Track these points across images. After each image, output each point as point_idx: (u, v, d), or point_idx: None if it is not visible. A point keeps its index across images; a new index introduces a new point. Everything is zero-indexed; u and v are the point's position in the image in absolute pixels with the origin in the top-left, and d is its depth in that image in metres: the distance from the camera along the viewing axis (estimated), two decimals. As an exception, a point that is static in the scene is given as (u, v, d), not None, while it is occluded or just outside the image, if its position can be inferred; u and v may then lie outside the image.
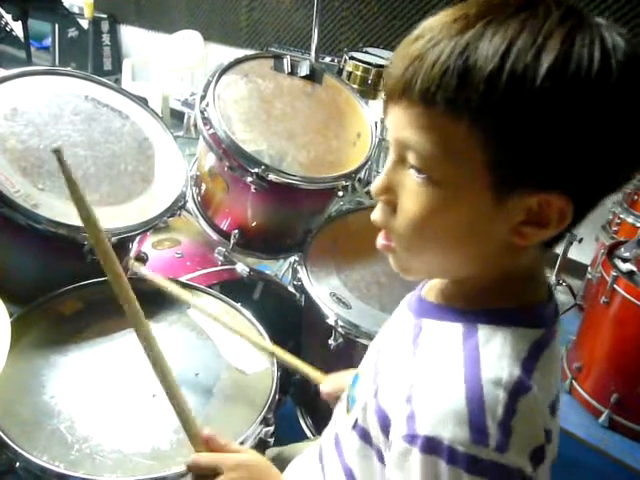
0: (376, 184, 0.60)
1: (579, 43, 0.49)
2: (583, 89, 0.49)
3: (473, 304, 0.61)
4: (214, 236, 1.76)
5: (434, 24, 0.54)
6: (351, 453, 0.69)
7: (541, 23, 0.49)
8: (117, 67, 5.42)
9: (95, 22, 5.25)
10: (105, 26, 5.38)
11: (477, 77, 0.49)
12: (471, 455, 0.51)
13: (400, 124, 0.56)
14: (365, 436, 0.66)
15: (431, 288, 0.69)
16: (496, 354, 0.55)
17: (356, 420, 0.68)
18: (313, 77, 1.75)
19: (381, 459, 0.63)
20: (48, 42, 5.42)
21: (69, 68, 1.50)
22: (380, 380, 0.65)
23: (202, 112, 1.56)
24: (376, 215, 0.62)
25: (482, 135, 0.51)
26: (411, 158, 0.56)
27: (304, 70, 1.74)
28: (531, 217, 0.54)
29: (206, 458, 0.75)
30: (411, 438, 0.54)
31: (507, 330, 0.57)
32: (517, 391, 0.53)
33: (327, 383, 1.05)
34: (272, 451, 1.09)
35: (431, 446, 0.53)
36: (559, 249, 2.56)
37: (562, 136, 0.49)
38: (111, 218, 1.28)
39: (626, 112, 0.51)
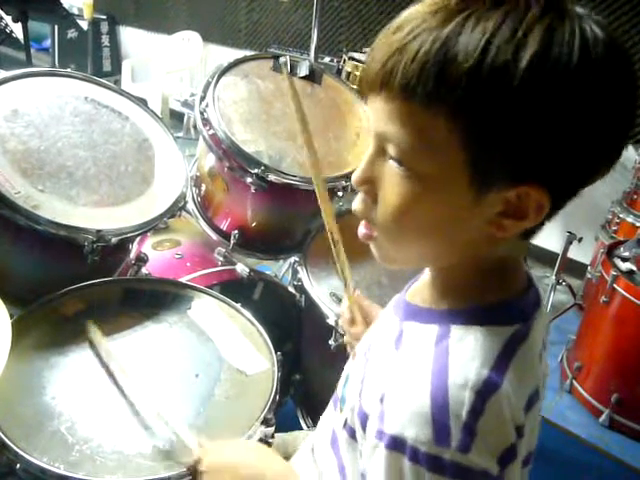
0: (357, 175, 0.61)
1: (558, 37, 0.49)
2: (562, 84, 0.49)
3: (451, 303, 0.62)
4: (214, 236, 1.76)
5: (415, 15, 0.53)
6: (343, 450, 0.71)
7: (521, 16, 0.49)
8: (117, 68, 5.42)
9: (94, 23, 5.24)
10: (104, 27, 5.38)
11: (456, 72, 0.49)
12: (432, 455, 0.52)
13: (380, 117, 0.56)
14: (353, 435, 0.68)
15: (416, 291, 0.70)
16: (466, 355, 0.56)
17: (346, 420, 0.70)
18: (313, 77, 1.75)
19: None
20: (47, 43, 5.42)
21: (69, 69, 1.50)
22: (365, 382, 0.66)
23: (202, 113, 1.56)
24: (356, 205, 0.63)
25: (461, 130, 0.51)
26: (391, 150, 0.56)
27: (303, 71, 1.74)
28: (509, 209, 0.54)
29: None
30: (380, 435, 0.56)
31: (479, 329, 0.57)
32: (485, 391, 0.54)
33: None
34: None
35: (396, 444, 0.54)
36: (559, 248, 2.56)
37: (541, 131, 0.50)
38: (111, 219, 1.29)
39: (604, 103, 0.51)
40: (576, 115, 0.50)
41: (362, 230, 0.64)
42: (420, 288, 0.69)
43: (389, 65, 0.52)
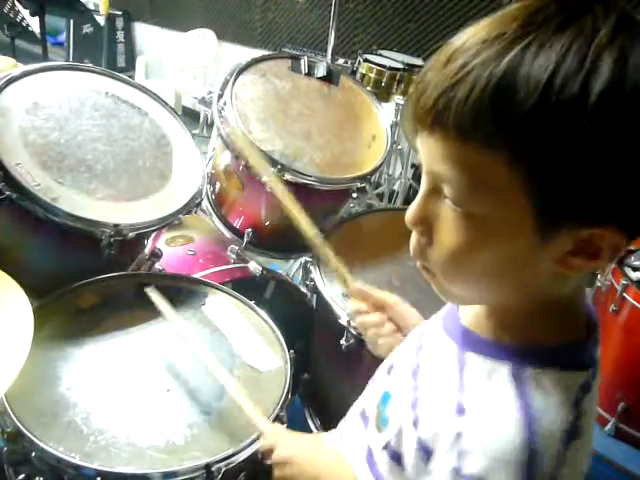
0: (411, 213, 0.57)
1: (632, 64, 0.44)
2: (638, 116, 0.44)
3: (517, 338, 0.58)
4: (227, 234, 1.77)
5: (466, 45, 0.48)
6: (384, 470, 0.68)
7: (589, 41, 0.44)
8: (131, 64, 5.44)
9: (110, 19, 5.27)
10: (120, 23, 5.41)
11: (516, 113, 0.44)
12: None
13: (434, 156, 0.52)
14: (397, 458, 0.65)
15: (473, 317, 0.64)
16: (550, 402, 0.54)
17: (388, 442, 0.67)
18: (330, 78, 1.76)
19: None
20: (62, 38, 5.46)
21: (89, 64, 1.51)
22: (421, 410, 0.63)
23: (219, 111, 1.57)
24: (412, 247, 0.59)
25: (523, 173, 0.47)
26: (447, 191, 0.52)
27: (321, 71, 1.75)
28: (580, 248, 0.50)
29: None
30: (456, 473, 0.55)
31: (558, 374, 0.55)
32: (569, 439, 0.54)
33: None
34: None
35: None
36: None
37: (618, 169, 0.45)
38: (128, 213, 1.29)
39: None
40: None
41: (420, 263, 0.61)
42: (475, 315, 0.64)
43: (441, 104, 0.48)
